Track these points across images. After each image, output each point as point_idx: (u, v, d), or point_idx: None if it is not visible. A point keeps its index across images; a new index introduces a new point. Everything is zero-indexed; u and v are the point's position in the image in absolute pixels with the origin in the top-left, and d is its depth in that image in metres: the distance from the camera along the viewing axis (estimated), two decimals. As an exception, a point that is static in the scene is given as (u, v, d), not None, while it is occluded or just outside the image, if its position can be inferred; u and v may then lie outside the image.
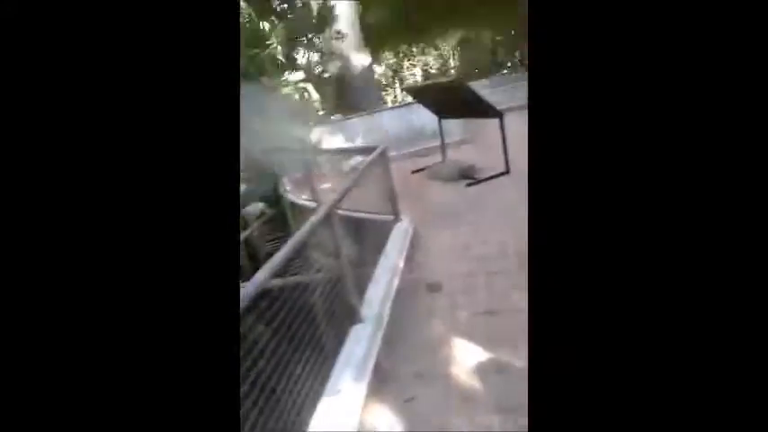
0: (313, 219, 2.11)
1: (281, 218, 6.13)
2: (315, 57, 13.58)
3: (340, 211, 3.37)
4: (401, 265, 2.90)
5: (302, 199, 5.34)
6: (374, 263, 2.88)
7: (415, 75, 14.73)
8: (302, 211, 5.07)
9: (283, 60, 11.74)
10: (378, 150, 3.56)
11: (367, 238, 3.23)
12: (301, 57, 13.20)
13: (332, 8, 9.58)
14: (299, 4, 13.92)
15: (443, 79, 11.02)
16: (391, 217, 3.63)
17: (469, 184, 4.90)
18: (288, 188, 6.28)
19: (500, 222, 3.65)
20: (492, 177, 4.94)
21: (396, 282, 2.63)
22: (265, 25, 11.59)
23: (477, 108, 5.01)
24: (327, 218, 2.21)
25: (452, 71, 17.32)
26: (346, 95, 10.19)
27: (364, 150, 3.89)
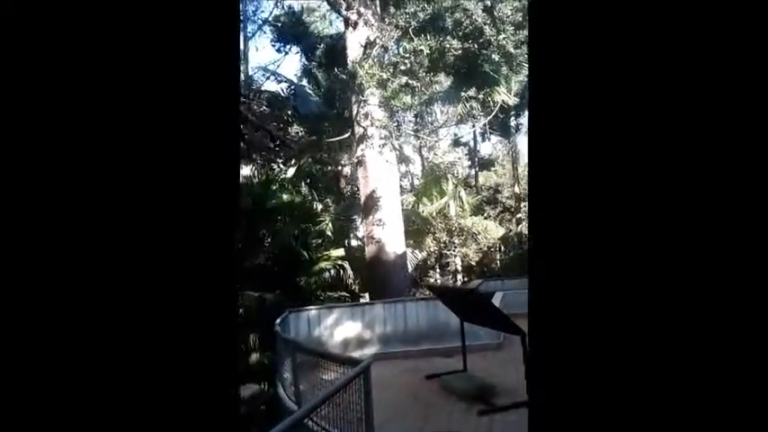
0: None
1: (272, 405, 5.42)
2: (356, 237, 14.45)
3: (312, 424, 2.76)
4: None
5: (287, 395, 4.68)
6: None
7: (456, 263, 14.87)
8: (283, 411, 4.36)
9: (331, 236, 12.58)
10: (363, 364, 3.07)
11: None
12: (344, 237, 14.08)
13: (378, 199, 10.48)
14: (350, 194, 15.55)
15: (461, 286, 10.95)
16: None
17: (482, 412, 4.04)
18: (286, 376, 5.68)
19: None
20: (511, 407, 4.07)
21: None
22: (318, 205, 12.86)
23: (496, 321, 4.52)
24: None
25: (497, 262, 17.36)
26: (378, 279, 10.23)
27: (351, 361, 3.40)
